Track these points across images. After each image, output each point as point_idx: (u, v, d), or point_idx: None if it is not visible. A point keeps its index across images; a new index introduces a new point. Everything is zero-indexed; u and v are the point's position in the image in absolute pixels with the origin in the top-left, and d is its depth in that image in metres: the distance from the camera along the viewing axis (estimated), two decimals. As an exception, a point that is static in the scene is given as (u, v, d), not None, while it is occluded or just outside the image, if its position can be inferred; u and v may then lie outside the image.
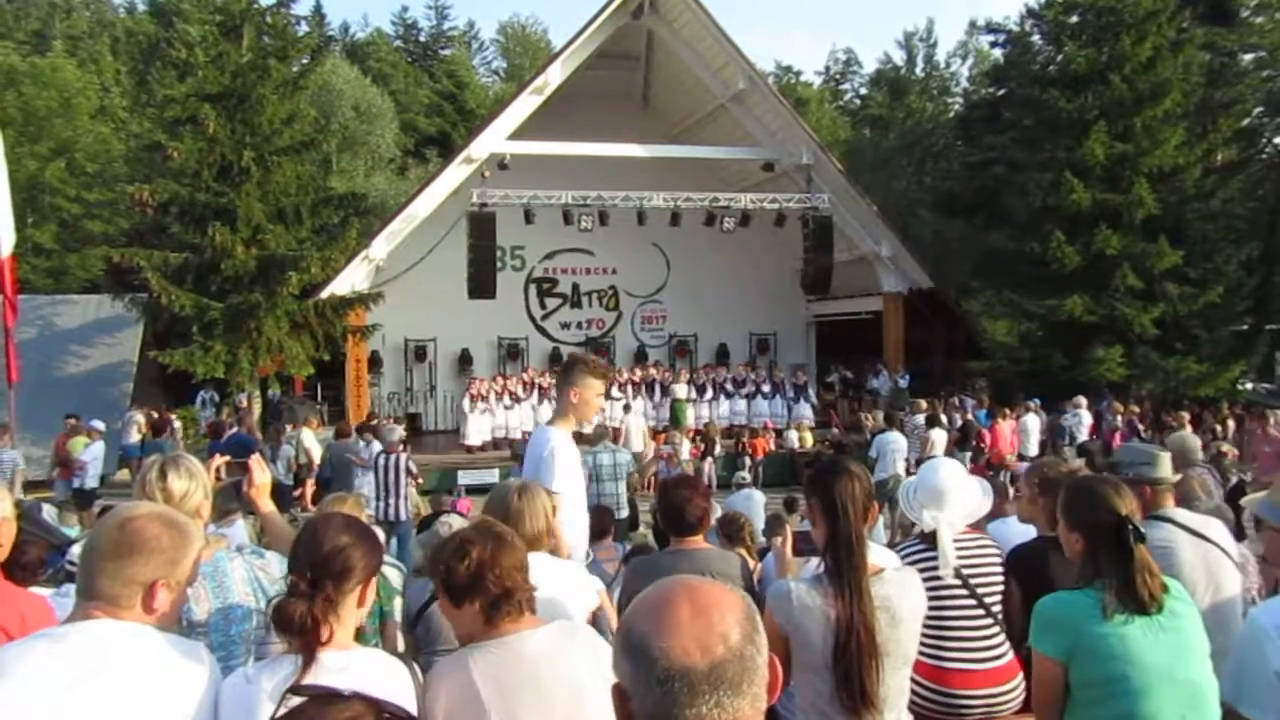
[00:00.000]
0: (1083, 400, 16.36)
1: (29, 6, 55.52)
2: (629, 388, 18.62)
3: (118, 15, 53.51)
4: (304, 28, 20.79)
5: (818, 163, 19.08)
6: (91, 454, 13.35)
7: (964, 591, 3.20)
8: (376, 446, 13.99)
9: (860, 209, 19.75)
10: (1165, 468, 3.35)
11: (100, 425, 13.88)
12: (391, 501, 9.71)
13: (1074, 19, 21.36)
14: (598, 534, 5.65)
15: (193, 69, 18.66)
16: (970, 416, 15.88)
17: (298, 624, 1.93)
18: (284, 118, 18.10)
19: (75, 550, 4.44)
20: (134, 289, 18.44)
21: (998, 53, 32.54)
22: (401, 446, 10.20)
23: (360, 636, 2.77)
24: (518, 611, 2.14)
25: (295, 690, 1.81)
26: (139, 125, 30.91)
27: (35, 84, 30.22)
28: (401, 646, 3.64)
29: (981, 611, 3.20)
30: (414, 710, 1.97)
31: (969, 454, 13.93)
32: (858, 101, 48.87)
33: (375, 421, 16.12)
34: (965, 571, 3.22)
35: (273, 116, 17.60)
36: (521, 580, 2.17)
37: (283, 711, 1.76)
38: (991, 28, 30.77)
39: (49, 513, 8.07)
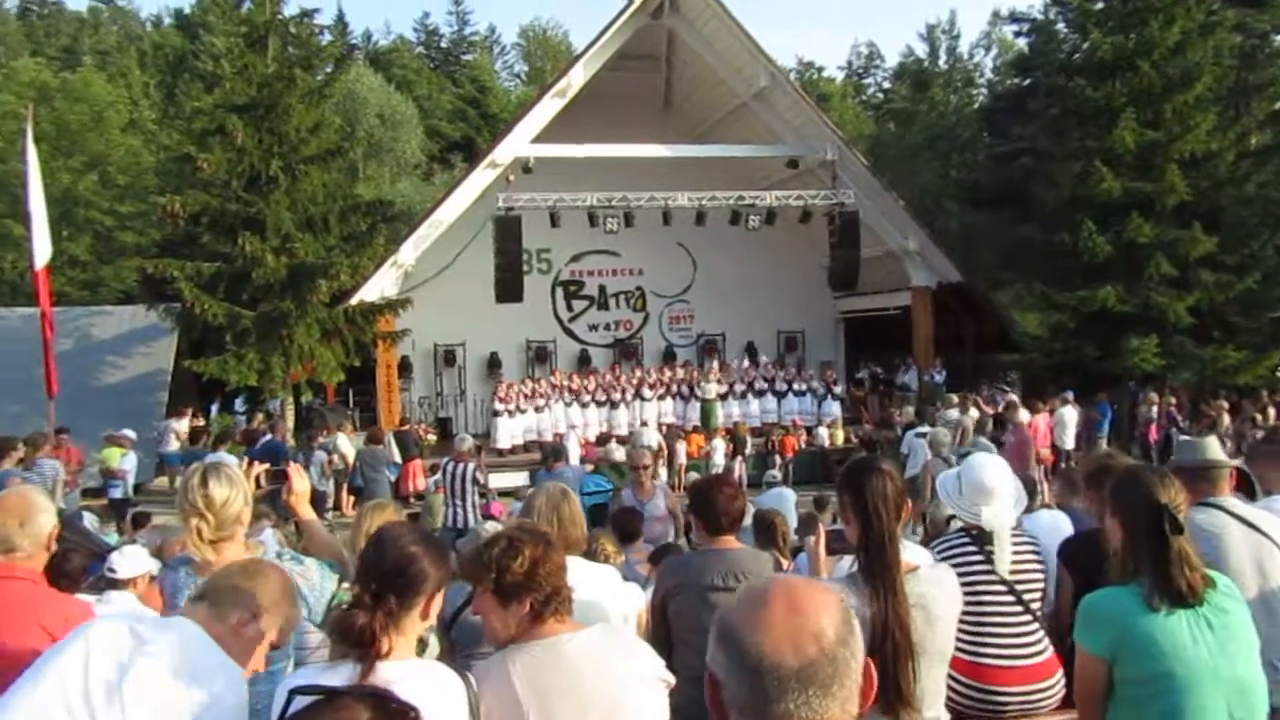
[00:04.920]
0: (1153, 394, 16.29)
1: (59, 22, 56.46)
2: (658, 387, 18.66)
3: (145, 29, 54.32)
4: (327, 37, 21.02)
5: (842, 158, 18.98)
6: (128, 464, 13.56)
7: (1002, 587, 3.18)
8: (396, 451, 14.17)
9: (886, 203, 19.63)
10: (1214, 451, 3.31)
11: (132, 434, 14.08)
12: (459, 508, 9.75)
13: (1099, 5, 21.04)
14: (628, 536, 5.66)
15: (220, 80, 18.91)
16: (1003, 409, 15.70)
17: (357, 636, 1.95)
18: (310, 126, 18.27)
19: (114, 558, 4.52)
20: (168, 299, 18.67)
21: (1022, 42, 32.18)
22: (472, 455, 10.22)
23: (423, 644, 2.80)
24: (563, 611, 2.19)
25: (300, 690, 1.84)
26: (168, 137, 31.27)
27: (67, 99, 30.76)
28: (436, 651, 3.66)
29: (1020, 608, 3.18)
30: None
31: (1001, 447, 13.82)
32: (881, 95, 48.63)
33: (406, 427, 16.29)
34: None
35: (299, 125, 17.76)
36: (565, 580, 2.21)
37: (292, 709, 1.79)
38: (1015, 17, 30.54)
39: (89, 520, 8.21)
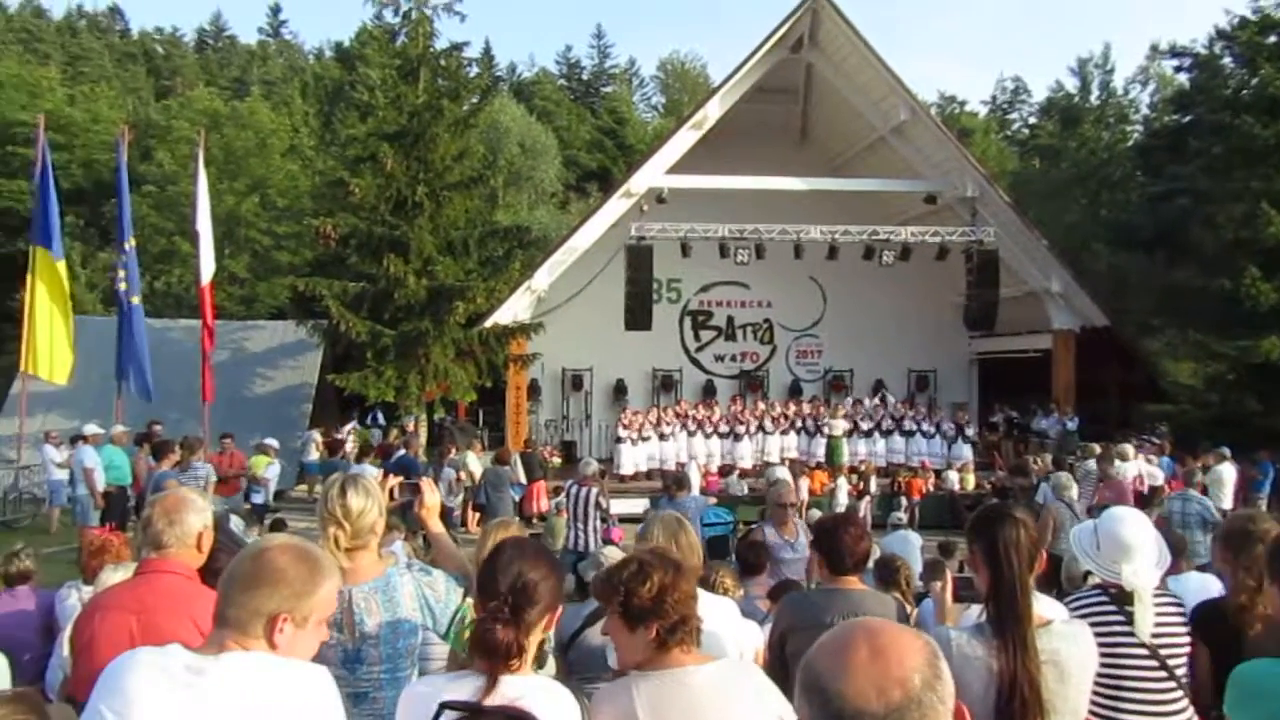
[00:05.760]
0: None
1: (231, 55, 60.61)
2: (781, 421, 18.47)
3: (308, 61, 57.71)
4: (475, 69, 21.79)
5: (983, 194, 18.47)
6: (272, 472, 14.30)
7: (1144, 651, 3.00)
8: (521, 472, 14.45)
9: (1029, 242, 18.96)
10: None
11: (275, 444, 14.83)
12: (581, 532, 9.88)
13: (1271, 39, 19.93)
14: (750, 570, 5.58)
15: (373, 110, 19.88)
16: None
17: (504, 649, 1.98)
18: (455, 155, 18.98)
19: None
20: (316, 315, 19.63)
21: (1183, 77, 30.62)
22: (596, 480, 10.37)
23: (540, 663, 2.84)
24: (689, 641, 2.15)
25: (450, 705, 1.87)
26: (324, 163, 33.10)
27: (235, 125, 32.96)
28: (553, 671, 3.71)
29: (1164, 673, 2.99)
30: None
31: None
32: (1026, 131, 47.14)
33: (532, 449, 16.61)
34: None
35: (445, 154, 18.48)
36: (694, 609, 2.18)
37: None
38: (1176, 51, 29.04)
39: (235, 523, 8.67)
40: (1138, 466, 13.41)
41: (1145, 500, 12.77)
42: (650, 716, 2.04)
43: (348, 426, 19.30)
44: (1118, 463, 12.52)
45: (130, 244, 16.73)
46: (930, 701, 1.15)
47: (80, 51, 52.46)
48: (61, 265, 16.04)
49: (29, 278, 15.74)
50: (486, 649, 2.00)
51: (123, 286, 16.25)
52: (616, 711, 2.07)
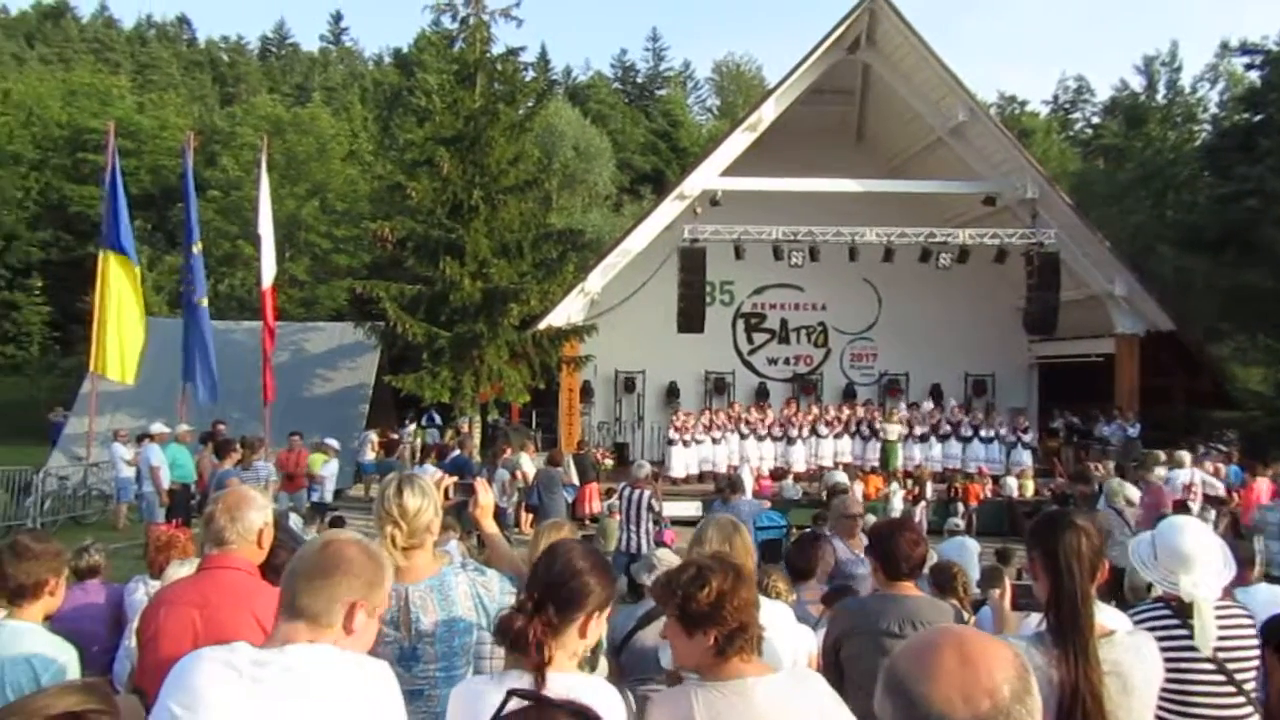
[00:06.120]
0: None
1: (294, 62, 61.89)
2: (836, 424, 18.32)
3: (367, 68, 58.67)
4: (530, 74, 21.96)
5: (1044, 196, 18.11)
6: (329, 470, 14.54)
7: (1209, 665, 2.92)
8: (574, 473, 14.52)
9: (1091, 245, 18.54)
10: None
11: (335, 443, 15.10)
12: (633, 534, 9.93)
13: (1348, 35, 19.28)
14: (802, 574, 5.52)
15: (430, 115, 20.13)
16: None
17: (514, 638, 2.01)
18: (510, 158, 19.14)
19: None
20: (373, 318, 19.93)
21: (1253, 75, 29.76)
22: (649, 482, 10.42)
23: (592, 665, 2.85)
24: (749, 650, 2.11)
25: (517, 693, 1.87)
26: (382, 167, 33.63)
27: (296, 131, 33.66)
28: (605, 672, 3.71)
29: (1231, 687, 2.90)
30: None
31: (1214, 512, 12.68)
32: (1089, 131, 46.17)
33: (585, 450, 16.68)
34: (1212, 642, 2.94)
35: (500, 158, 18.65)
36: (755, 617, 2.14)
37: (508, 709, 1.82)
38: (1246, 48, 28.22)
39: (295, 521, 8.84)
40: (1191, 474, 13.07)
41: (1185, 508, 12.49)
42: None
43: (410, 428, 19.61)
44: (1159, 470, 12.24)
45: (197, 248, 17.20)
46: (1019, 715, 1.13)
47: (149, 60, 54.03)
48: (136, 269, 16.58)
49: (98, 281, 16.25)
50: (500, 635, 2.04)
51: (195, 289, 16.74)
52: (675, 716, 2.05)
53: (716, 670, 2.09)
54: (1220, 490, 13.40)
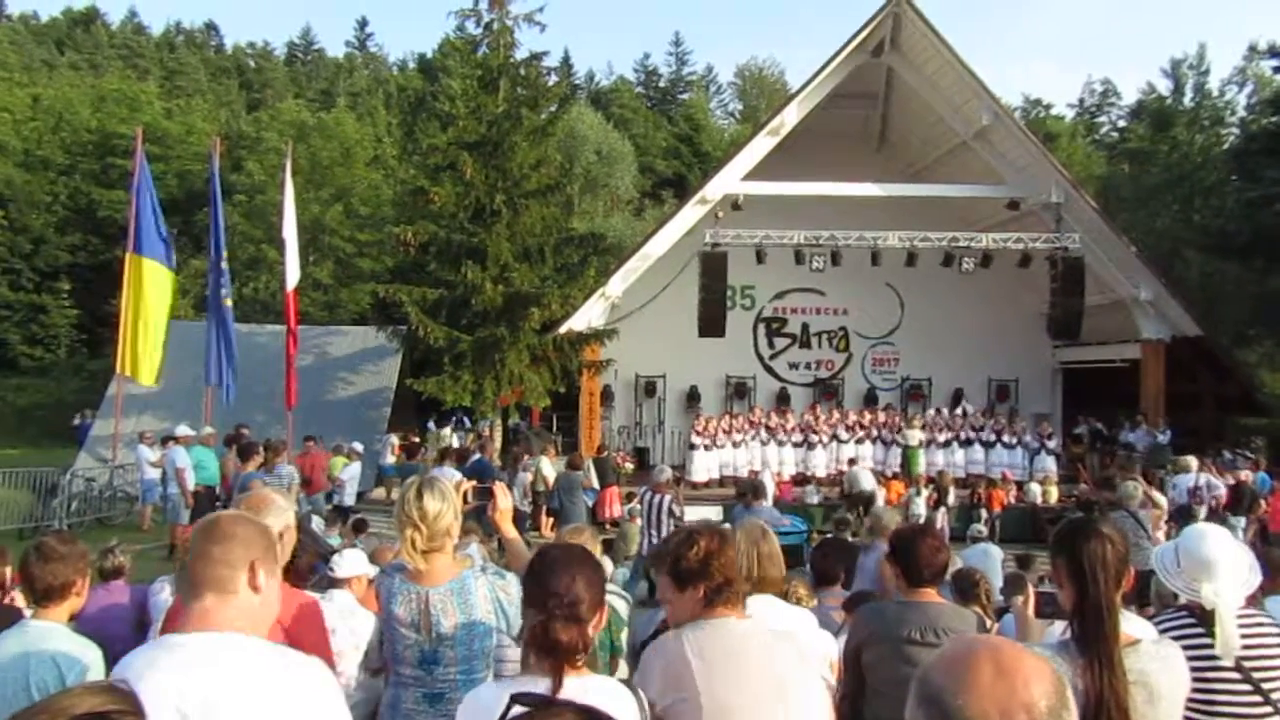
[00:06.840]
0: None
1: (319, 67, 62.41)
2: (856, 429, 18.24)
3: (392, 73, 59.07)
4: (553, 78, 21.96)
5: (1068, 200, 17.94)
6: (350, 473, 14.60)
7: (1237, 675, 2.88)
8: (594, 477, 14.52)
9: (1116, 249, 18.36)
10: None
11: (359, 447, 15.16)
12: (654, 537, 9.94)
13: (1379, 37, 19.00)
14: (825, 580, 5.49)
15: (454, 119, 20.20)
16: (1245, 478, 14.23)
17: (567, 647, 2.05)
18: (533, 163, 19.18)
19: (335, 560, 4.87)
20: (395, 321, 20.03)
21: (1282, 78, 29.43)
22: (670, 486, 10.41)
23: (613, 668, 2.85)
24: (734, 602, 2.43)
25: (519, 698, 1.89)
26: (405, 172, 33.81)
27: (321, 136, 33.90)
28: (626, 675, 3.71)
29: (1259, 698, 2.86)
30: None
31: (1243, 519, 12.52)
32: (1115, 135, 45.76)
33: (605, 454, 16.68)
34: (1239, 652, 2.90)
35: (523, 162, 18.70)
36: (738, 575, 2.47)
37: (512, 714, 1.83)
38: (1275, 51, 27.87)
39: (317, 524, 8.89)
40: (1195, 479, 13.15)
41: (1189, 513, 12.47)
42: (698, 657, 2.27)
43: (446, 428, 19.66)
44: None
45: (224, 252, 17.38)
46: None
47: (177, 66, 54.62)
48: (169, 273, 16.80)
49: (125, 284, 16.44)
50: (549, 648, 2.06)
51: (221, 292, 16.91)
52: (668, 656, 2.29)
53: (705, 615, 2.38)
54: (1222, 493, 13.35)
